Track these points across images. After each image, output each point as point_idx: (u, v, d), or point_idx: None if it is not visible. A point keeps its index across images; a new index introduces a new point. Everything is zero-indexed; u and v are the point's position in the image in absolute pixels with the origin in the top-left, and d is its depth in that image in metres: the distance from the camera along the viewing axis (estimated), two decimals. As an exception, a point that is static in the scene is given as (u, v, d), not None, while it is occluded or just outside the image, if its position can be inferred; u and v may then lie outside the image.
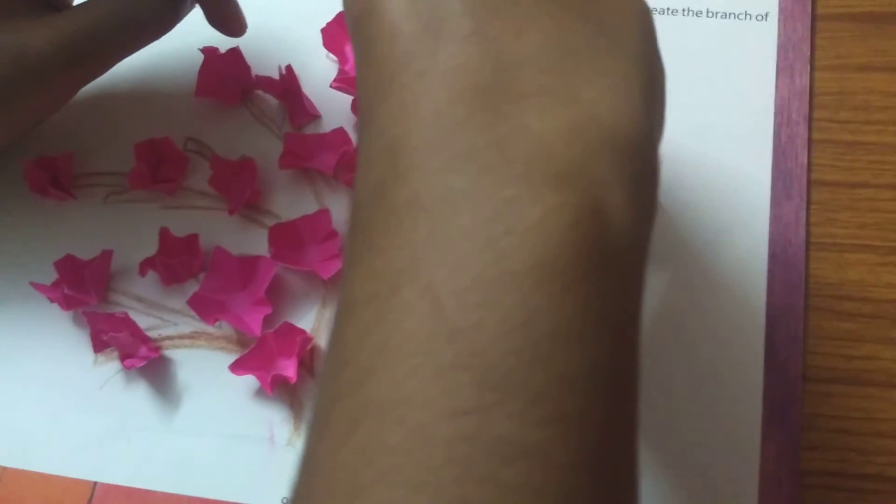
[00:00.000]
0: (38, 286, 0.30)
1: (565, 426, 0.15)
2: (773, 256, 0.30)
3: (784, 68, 0.32)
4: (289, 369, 0.29)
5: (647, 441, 0.28)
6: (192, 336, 0.30)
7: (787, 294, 0.29)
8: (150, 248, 0.31)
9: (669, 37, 0.33)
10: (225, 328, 0.30)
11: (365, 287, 0.17)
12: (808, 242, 0.30)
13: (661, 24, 0.33)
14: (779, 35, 0.33)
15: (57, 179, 0.33)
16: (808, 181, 0.31)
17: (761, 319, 0.29)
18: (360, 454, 0.15)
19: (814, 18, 0.33)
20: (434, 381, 0.15)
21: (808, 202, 0.30)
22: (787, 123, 0.32)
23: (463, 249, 0.16)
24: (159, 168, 0.33)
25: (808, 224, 0.30)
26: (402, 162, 0.17)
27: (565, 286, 0.16)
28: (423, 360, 0.15)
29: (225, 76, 0.34)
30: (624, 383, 0.17)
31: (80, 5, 0.30)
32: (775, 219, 0.30)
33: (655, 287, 0.29)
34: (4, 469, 0.29)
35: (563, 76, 0.18)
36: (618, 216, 0.17)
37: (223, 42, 0.34)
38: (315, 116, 0.34)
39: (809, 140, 0.31)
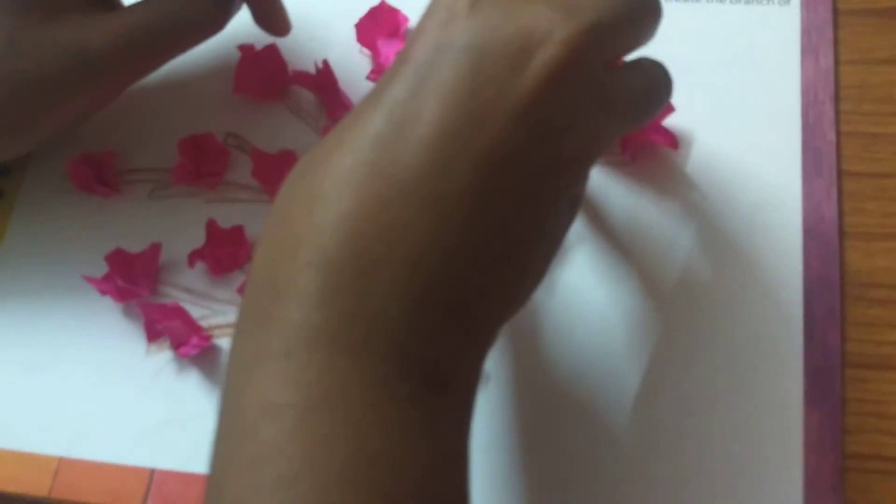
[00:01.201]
0: (90, 279, 0.31)
1: None
2: (808, 232, 0.30)
3: (808, 50, 0.33)
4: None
5: (689, 413, 0.28)
6: (241, 325, 0.31)
7: (823, 268, 0.30)
8: (197, 240, 0.32)
9: (693, 24, 0.34)
10: (273, 316, 0.31)
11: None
12: (839, 232, 0.31)
13: (686, 12, 0.34)
14: (802, 18, 0.34)
15: (101, 176, 0.33)
16: (838, 163, 0.31)
17: (798, 294, 0.30)
18: None
19: (836, 13, 0.34)
20: None
21: (839, 185, 0.31)
22: (815, 103, 0.32)
23: None
24: (202, 162, 0.33)
25: (839, 214, 0.31)
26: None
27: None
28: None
29: (262, 73, 0.35)
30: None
31: (135, 5, 0.31)
32: (807, 195, 0.31)
33: (696, 265, 0.30)
34: (62, 459, 0.30)
35: None
36: None
37: (259, 39, 0.35)
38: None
39: (836, 117, 0.32)
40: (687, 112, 0.32)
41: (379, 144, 0.20)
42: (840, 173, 0.31)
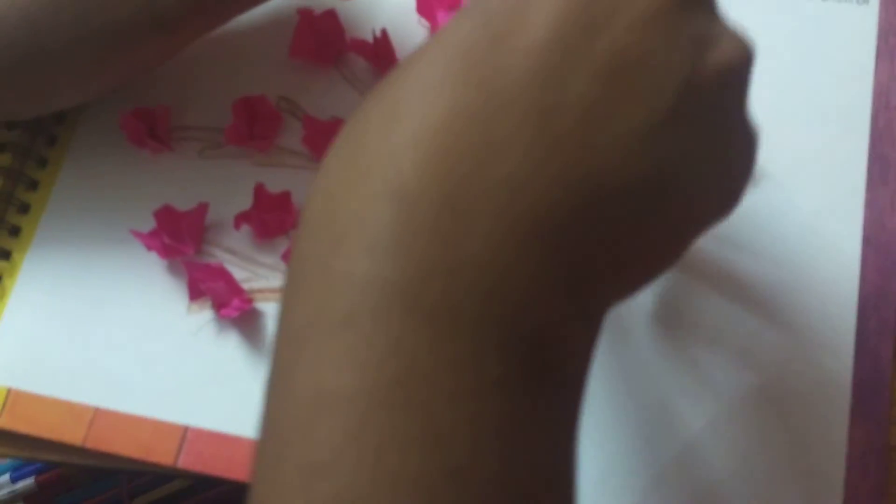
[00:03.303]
0: (138, 234, 0.31)
1: None
2: (867, 241, 0.29)
3: (884, 53, 0.32)
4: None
5: (732, 418, 0.28)
6: (283, 290, 0.31)
7: (880, 280, 0.29)
8: (244, 203, 0.32)
9: (767, 15, 0.33)
10: (314, 284, 0.31)
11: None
12: None
13: (760, 5, 0.33)
14: (880, 18, 0.32)
15: (154, 131, 0.33)
16: (904, 167, 0.30)
17: (853, 304, 0.29)
18: None
19: (914, 4, 0.33)
20: None
21: (903, 188, 0.30)
22: (886, 108, 0.31)
23: None
24: (254, 125, 0.33)
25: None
26: None
27: None
28: None
29: (320, 38, 0.34)
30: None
31: None
32: (870, 203, 0.30)
33: (750, 267, 0.29)
34: (97, 409, 0.30)
35: None
36: None
37: (319, 4, 0.34)
38: (406, 81, 0.34)
39: (907, 125, 0.31)
40: (754, 106, 0.31)
41: (473, 52, 0.17)
42: None
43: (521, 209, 0.16)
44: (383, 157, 0.16)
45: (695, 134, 0.18)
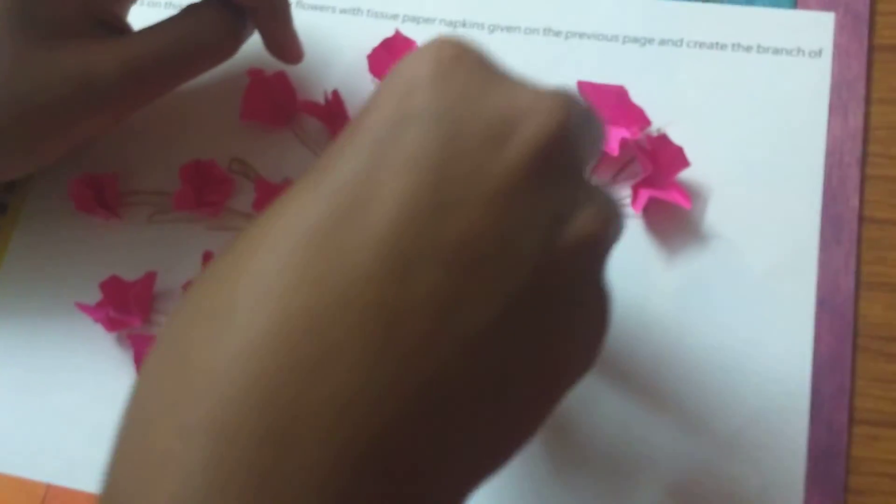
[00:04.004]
0: (83, 307, 0.31)
1: None
2: (821, 304, 0.29)
3: (837, 107, 0.32)
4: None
5: (686, 486, 0.27)
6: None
7: (835, 344, 0.29)
8: (194, 268, 0.32)
9: (716, 72, 0.32)
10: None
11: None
12: (857, 282, 0.29)
13: (709, 60, 0.33)
14: (833, 73, 0.32)
15: (102, 198, 0.33)
16: (860, 223, 0.30)
17: (807, 369, 0.28)
18: None
19: (870, 50, 0.32)
20: None
21: (859, 243, 0.30)
22: (839, 165, 0.31)
23: None
24: (204, 190, 0.33)
25: (858, 264, 0.29)
26: None
27: None
28: None
29: (271, 99, 0.34)
30: None
31: (144, 30, 0.30)
32: (823, 264, 0.30)
33: (702, 332, 0.29)
34: (49, 486, 0.30)
35: None
36: None
37: (269, 65, 0.34)
38: (359, 142, 0.34)
39: (862, 182, 0.31)
40: (705, 165, 0.31)
41: (315, 239, 0.16)
42: (862, 220, 0.30)
43: (349, 433, 0.15)
44: (206, 376, 0.15)
45: (547, 312, 0.17)
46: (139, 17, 0.33)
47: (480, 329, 0.16)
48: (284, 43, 0.33)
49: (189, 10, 0.31)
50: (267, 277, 0.16)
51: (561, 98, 0.18)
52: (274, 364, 0.15)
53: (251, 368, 0.15)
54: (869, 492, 0.27)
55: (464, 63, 0.18)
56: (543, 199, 0.17)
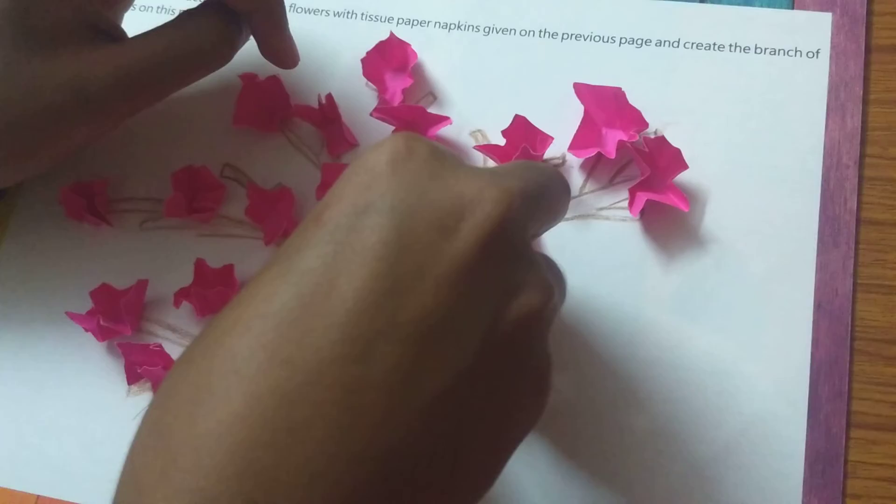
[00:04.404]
0: (73, 316, 0.30)
1: None
2: (819, 307, 0.29)
3: (835, 108, 0.31)
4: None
5: (684, 490, 0.27)
6: (226, 368, 0.30)
7: (833, 347, 0.28)
8: (186, 276, 0.31)
9: (714, 74, 0.32)
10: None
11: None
12: (855, 284, 0.29)
13: (707, 61, 0.32)
14: (830, 73, 0.32)
15: (93, 205, 0.33)
16: (857, 224, 0.30)
17: (805, 372, 0.28)
18: None
19: (867, 50, 0.32)
20: None
21: (857, 245, 0.30)
22: (837, 167, 0.31)
23: None
24: (195, 196, 0.33)
25: (856, 266, 0.29)
26: None
27: None
28: None
29: (264, 104, 0.34)
30: None
31: (138, 37, 0.30)
32: (821, 267, 0.29)
33: (700, 335, 0.29)
34: (39, 498, 0.29)
35: None
36: None
37: (262, 69, 0.33)
38: (353, 145, 0.33)
39: (860, 183, 0.30)
40: (703, 167, 0.31)
41: (283, 323, 0.17)
42: (860, 222, 0.30)
43: (319, 499, 0.16)
44: (189, 450, 0.16)
45: (496, 380, 0.19)
46: (132, 22, 0.32)
47: (436, 399, 0.18)
48: (280, 48, 0.32)
49: (184, 16, 0.30)
50: (238, 361, 0.17)
51: (506, 185, 0.20)
52: (249, 438, 0.16)
53: (228, 443, 0.16)
54: (867, 496, 0.27)
55: (417, 156, 0.20)
56: (490, 280, 0.19)
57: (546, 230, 0.24)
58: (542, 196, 0.21)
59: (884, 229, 0.30)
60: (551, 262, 0.23)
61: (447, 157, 0.20)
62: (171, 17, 0.30)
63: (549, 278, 0.21)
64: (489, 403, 0.19)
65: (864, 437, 0.27)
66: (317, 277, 0.18)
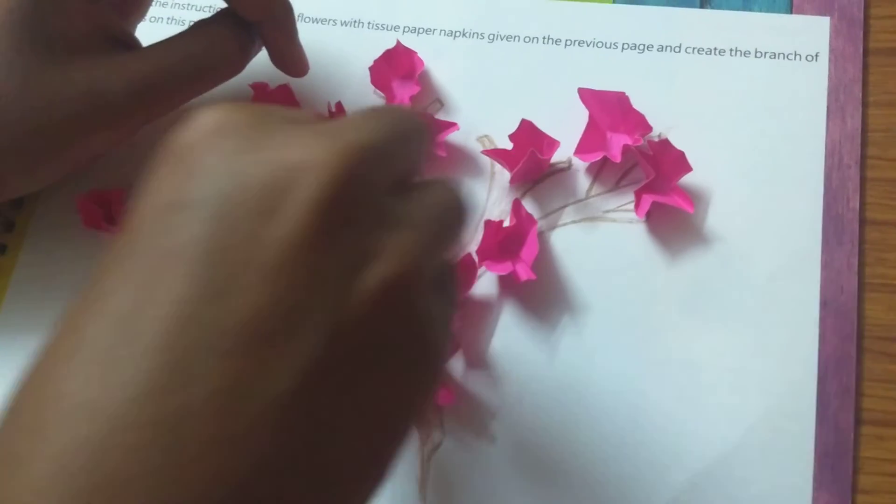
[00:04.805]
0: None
1: None
2: (825, 304, 0.29)
3: (835, 110, 0.32)
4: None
5: (695, 488, 0.28)
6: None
7: (840, 343, 0.29)
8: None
9: (716, 77, 0.33)
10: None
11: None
12: (860, 284, 0.30)
13: (708, 65, 0.33)
14: (829, 76, 0.33)
15: (110, 214, 0.33)
16: (861, 224, 0.30)
17: (813, 369, 0.29)
18: None
19: (865, 53, 0.33)
20: None
21: (861, 244, 0.30)
22: (839, 167, 0.31)
23: None
24: (210, 204, 0.33)
25: (860, 265, 0.30)
26: None
27: None
28: None
29: (274, 112, 0.34)
30: None
31: (152, 46, 0.30)
32: (826, 265, 0.30)
33: (707, 335, 0.29)
34: None
35: None
36: None
37: (272, 78, 0.34)
38: (363, 153, 0.34)
39: (862, 184, 0.31)
40: (706, 169, 0.31)
41: (90, 362, 0.15)
42: (863, 222, 0.30)
43: None
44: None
45: (362, 359, 0.17)
46: (142, 34, 0.33)
47: (282, 405, 0.15)
48: (290, 56, 0.33)
49: (198, 26, 0.31)
50: (45, 414, 0.15)
51: (339, 144, 0.17)
52: (64, 498, 0.14)
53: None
54: (877, 491, 0.27)
55: (230, 129, 0.17)
56: (329, 258, 0.16)
57: (412, 172, 0.20)
58: (392, 141, 0.18)
59: (886, 229, 0.30)
60: (436, 190, 0.20)
61: (271, 121, 0.18)
62: (182, 28, 0.31)
63: (415, 233, 0.18)
64: (361, 386, 0.17)
65: (872, 434, 0.28)
66: (126, 299, 0.16)
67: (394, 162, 0.19)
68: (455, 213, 0.20)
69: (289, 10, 0.31)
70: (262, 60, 0.33)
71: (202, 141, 0.17)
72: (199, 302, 0.15)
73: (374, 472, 0.18)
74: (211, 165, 0.17)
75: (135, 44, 0.32)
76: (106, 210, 0.33)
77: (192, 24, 0.31)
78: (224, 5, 0.31)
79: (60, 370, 0.16)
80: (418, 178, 0.20)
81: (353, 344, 0.16)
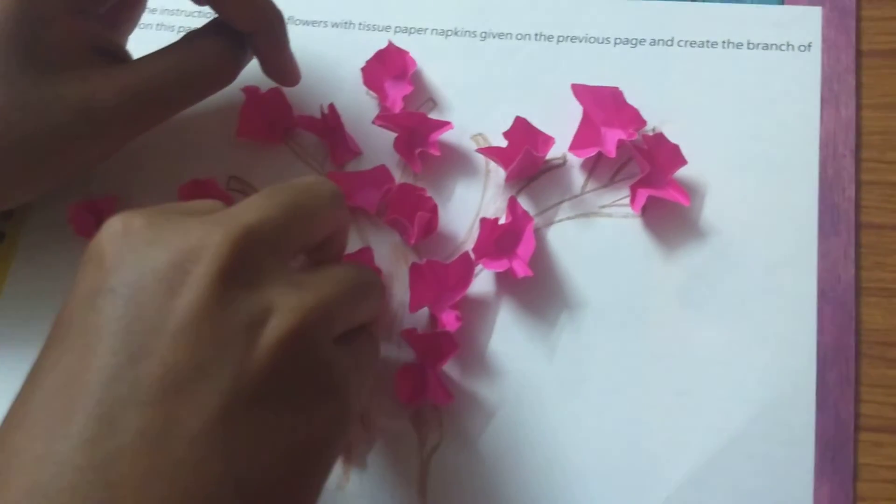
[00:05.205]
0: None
1: None
2: (823, 294, 0.29)
3: (829, 100, 0.32)
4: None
5: (696, 480, 0.27)
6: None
7: (838, 333, 0.29)
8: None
9: (709, 69, 0.33)
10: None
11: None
12: (857, 287, 0.29)
13: (701, 57, 0.33)
14: (822, 66, 0.32)
15: (101, 222, 0.33)
16: (857, 215, 0.30)
17: (812, 359, 0.29)
18: None
19: (859, 54, 0.33)
20: None
21: (858, 239, 0.30)
22: (834, 157, 0.31)
23: None
24: (204, 209, 0.33)
25: (857, 266, 0.30)
26: None
27: None
28: None
29: (266, 116, 0.34)
30: None
31: (144, 58, 0.30)
32: (823, 255, 0.30)
33: (706, 327, 0.29)
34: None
35: None
36: None
37: (264, 82, 0.34)
38: (357, 153, 0.34)
39: (857, 173, 0.31)
40: (701, 162, 0.31)
41: (36, 425, 0.18)
42: (859, 226, 0.30)
43: None
44: None
45: (269, 403, 0.19)
46: (130, 39, 0.33)
47: (195, 445, 0.18)
48: (282, 66, 0.33)
49: (189, 37, 0.31)
50: (6, 470, 0.18)
51: (233, 223, 0.20)
52: None
53: None
54: (874, 498, 0.27)
55: (132, 230, 0.21)
56: (231, 318, 0.20)
57: (327, 237, 0.24)
58: (287, 215, 0.22)
59: (883, 232, 0.30)
60: (332, 269, 0.23)
61: (170, 217, 0.21)
62: (171, 35, 0.31)
63: (313, 294, 0.21)
64: (270, 425, 0.19)
65: (870, 440, 0.28)
66: (63, 370, 0.19)
67: (290, 233, 0.22)
68: (361, 285, 0.24)
69: (280, 20, 0.31)
70: (253, 64, 0.33)
71: (114, 241, 0.20)
72: (120, 365, 0.19)
73: (299, 500, 0.20)
74: (123, 258, 0.20)
75: (125, 56, 0.31)
76: (98, 218, 0.33)
77: (182, 33, 0.31)
78: (214, 14, 0.31)
79: (16, 432, 0.19)
80: (336, 255, 0.25)
81: (257, 389, 0.19)
